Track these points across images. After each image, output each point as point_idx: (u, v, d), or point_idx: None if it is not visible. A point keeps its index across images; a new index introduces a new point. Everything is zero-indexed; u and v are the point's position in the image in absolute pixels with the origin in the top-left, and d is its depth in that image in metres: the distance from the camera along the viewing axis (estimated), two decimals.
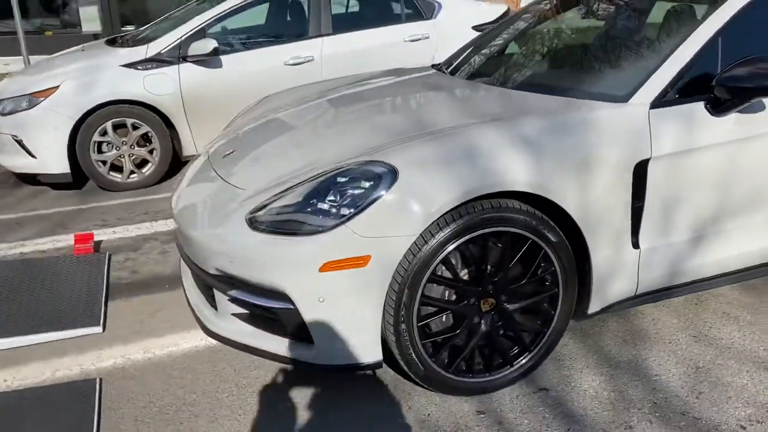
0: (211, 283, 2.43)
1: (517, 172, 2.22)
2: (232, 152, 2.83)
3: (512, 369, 2.43)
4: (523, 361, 2.44)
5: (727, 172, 2.42)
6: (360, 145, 2.44)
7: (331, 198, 2.21)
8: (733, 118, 2.36)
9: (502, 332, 2.39)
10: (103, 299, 3.22)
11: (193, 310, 2.66)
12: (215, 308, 2.52)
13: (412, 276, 2.17)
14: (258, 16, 5.47)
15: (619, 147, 2.35)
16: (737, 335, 2.72)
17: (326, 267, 2.13)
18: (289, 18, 5.55)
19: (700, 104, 2.36)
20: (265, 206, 2.31)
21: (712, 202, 2.45)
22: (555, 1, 3.58)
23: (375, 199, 2.12)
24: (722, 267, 2.62)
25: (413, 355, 2.27)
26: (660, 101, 2.41)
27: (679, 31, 2.65)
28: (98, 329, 2.98)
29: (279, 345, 2.34)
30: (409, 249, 2.15)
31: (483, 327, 2.35)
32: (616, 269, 2.48)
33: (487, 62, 3.38)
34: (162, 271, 3.59)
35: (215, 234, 2.36)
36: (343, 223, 2.12)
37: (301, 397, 2.46)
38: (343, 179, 2.24)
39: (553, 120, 2.38)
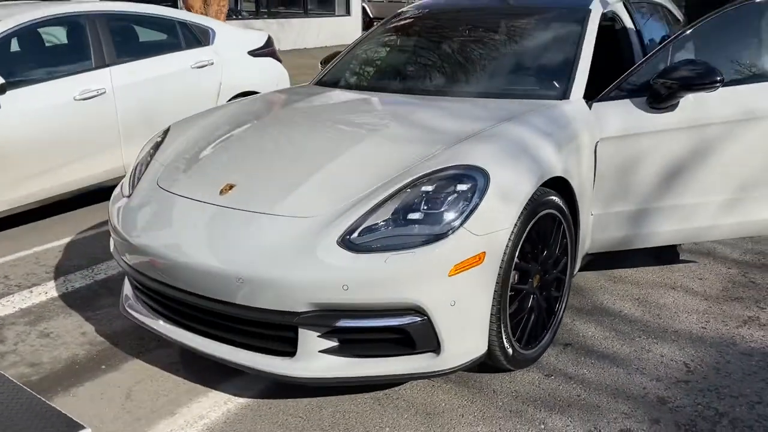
0: (298, 323, 2.23)
1: (552, 161, 2.60)
2: (231, 187, 2.55)
3: (548, 334, 2.79)
4: (553, 324, 2.82)
5: (662, 156, 3.05)
6: (410, 153, 2.51)
7: (425, 207, 2.28)
8: (668, 110, 3.02)
9: (544, 304, 2.74)
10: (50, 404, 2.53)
11: (247, 369, 2.35)
12: (290, 354, 2.30)
13: (506, 264, 2.37)
14: (31, 45, 4.59)
15: (587, 132, 2.91)
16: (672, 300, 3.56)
17: (454, 270, 2.20)
18: (65, 48, 4.78)
19: (641, 99, 3.03)
20: (355, 228, 2.24)
21: (649, 182, 3.10)
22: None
23: (481, 198, 2.27)
24: (659, 240, 3.22)
25: (505, 338, 2.46)
26: (606, 96, 3.03)
27: (570, 41, 3.31)
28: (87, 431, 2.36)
29: (396, 365, 2.29)
30: (509, 238, 2.35)
31: (535, 301, 2.66)
32: (586, 233, 3.04)
33: (413, 75, 3.63)
34: (69, 354, 2.92)
35: (305, 268, 2.18)
36: (461, 225, 2.22)
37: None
38: (428, 188, 2.32)
39: (544, 116, 2.81)
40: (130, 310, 2.79)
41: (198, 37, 5.44)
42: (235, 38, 5.73)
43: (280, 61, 6.08)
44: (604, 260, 3.58)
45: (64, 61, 4.60)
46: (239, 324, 2.37)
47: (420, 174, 2.35)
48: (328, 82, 3.83)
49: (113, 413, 2.51)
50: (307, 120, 3.18)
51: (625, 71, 3.30)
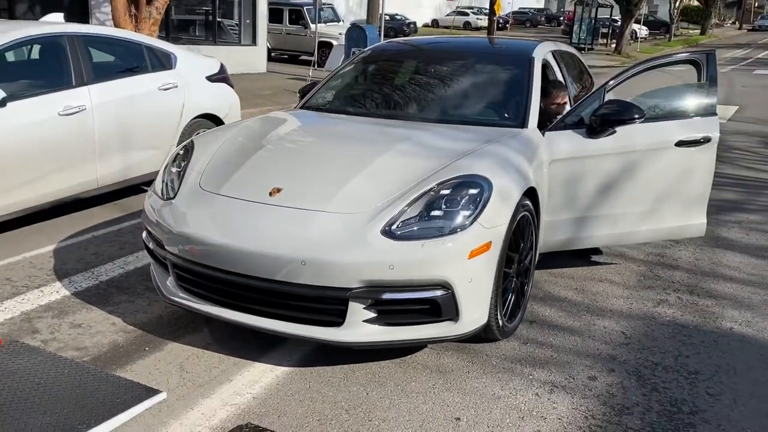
0: (350, 296, 2.79)
1: (529, 175, 3.36)
2: (278, 190, 3.07)
3: (520, 312, 3.50)
4: (523, 304, 3.55)
5: (597, 175, 3.86)
6: (425, 165, 3.17)
7: (445, 206, 2.94)
8: (601, 140, 3.86)
9: (519, 287, 3.45)
10: (122, 377, 2.90)
11: (300, 339, 2.87)
12: (338, 324, 2.85)
13: (502, 251, 3.06)
14: (18, 61, 4.79)
15: (545, 154, 3.70)
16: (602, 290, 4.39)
17: (471, 254, 2.86)
18: (48, 66, 4.99)
19: (582, 130, 3.86)
20: (394, 221, 2.85)
21: (587, 195, 3.89)
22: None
23: (488, 199, 2.96)
24: (594, 242, 4.06)
25: (499, 312, 3.14)
26: (555, 126, 3.85)
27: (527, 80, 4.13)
28: (162, 395, 2.76)
29: (422, 331, 2.90)
30: (505, 231, 3.05)
31: (515, 284, 3.38)
32: (540, 234, 3.81)
33: (399, 104, 4.28)
34: (109, 339, 3.27)
35: (358, 252, 2.77)
36: (476, 219, 2.89)
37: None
38: (446, 191, 2.98)
39: (516, 140, 3.57)
40: (173, 297, 3.20)
41: (162, 61, 5.80)
42: (193, 63, 6.14)
43: (232, 86, 6.53)
44: (546, 261, 4.38)
45: (47, 78, 4.84)
46: (293, 300, 2.88)
47: (439, 181, 3.01)
48: (318, 107, 4.42)
49: (175, 382, 2.92)
50: (326, 137, 3.78)
51: (556, 103, 4.18)
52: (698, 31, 49.88)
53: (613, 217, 3.99)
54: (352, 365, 3.08)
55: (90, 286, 3.90)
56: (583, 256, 4.59)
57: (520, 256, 3.39)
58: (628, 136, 3.90)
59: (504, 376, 3.05)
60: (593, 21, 29.51)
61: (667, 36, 41.19)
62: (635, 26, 32.50)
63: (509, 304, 3.31)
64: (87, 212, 5.23)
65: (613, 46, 29.98)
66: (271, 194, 3.07)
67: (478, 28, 39.96)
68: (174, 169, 3.55)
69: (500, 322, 3.17)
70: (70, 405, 2.64)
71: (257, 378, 2.97)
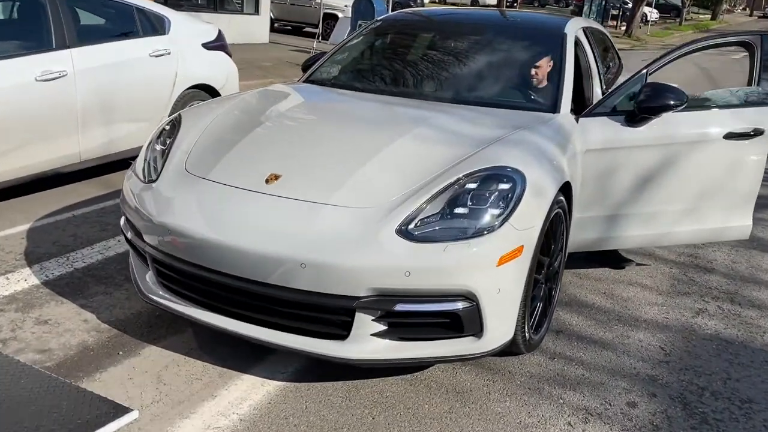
0: (358, 307, 2.37)
1: (564, 167, 2.92)
2: (276, 177, 2.64)
3: (547, 321, 3.09)
4: (550, 313, 3.13)
5: (633, 168, 3.42)
6: (446, 153, 2.72)
7: (471, 203, 2.50)
8: (640, 129, 3.40)
9: (547, 293, 3.04)
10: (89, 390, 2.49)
11: (298, 353, 2.46)
12: (342, 337, 2.44)
13: (533, 257, 2.64)
14: None
15: (579, 144, 3.26)
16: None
17: (501, 261, 2.44)
18: (25, 26, 4.52)
19: (620, 117, 3.40)
20: (411, 219, 2.42)
21: (622, 190, 3.45)
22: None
23: (521, 196, 2.53)
24: (627, 243, 3.61)
25: (527, 324, 2.73)
26: (590, 112, 3.40)
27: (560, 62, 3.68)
28: (134, 414, 2.35)
29: (439, 348, 2.49)
30: (539, 234, 2.62)
31: (543, 291, 2.96)
32: (572, 232, 3.39)
33: (414, 80, 3.81)
34: (78, 340, 2.86)
35: (368, 255, 2.34)
36: (506, 220, 2.46)
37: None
38: (472, 185, 2.54)
39: (549, 127, 3.13)
40: (151, 295, 2.79)
41: (154, 25, 5.32)
42: (189, 29, 5.65)
43: (230, 55, 6.05)
44: (570, 261, 3.96)
45: (24, 39, 4.37)
46: (289, 308, 2.47)
47: (464, 173, 2.57)
48: (324, 81, 3.96)
49: (151, 397, 2.52)
50: (333, 116, 3.32)
51: (585, 87, 3.71)
52: (709, 16, 49.09)
53: (649, 216, 3.56)
54: (356, 381, 2.68)
55: (63, 273, 3.48)
56: (610, 256, 4.17)
57: (551, 260, 2.97)
58: (671, 125, 3.45)
59: (531, 399, 2.64)
60: (604, 2, 28.80)
61: (678, 20, 40.44)
62: (646, 9, 31.74)
63: (537, 313, 2.90)
64: (68, 188, 4.79)
65: (623, 28, 29.27)
66: (267, 181, 2.63)
67: (485, 6, 39.14)
68: (158, 147, 3.12)
69: (527, 335, 2.76)
70: (19, 425, 2.23)
71: (246, 394, 2.57)
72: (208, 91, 5.59)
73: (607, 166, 3.39)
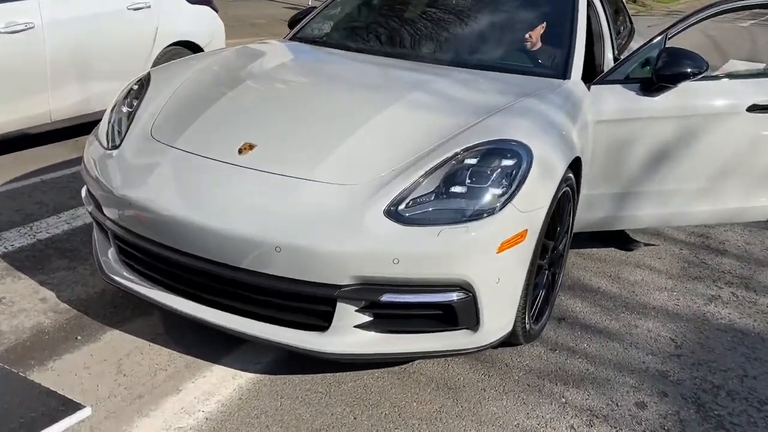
0: (339, 296, 2.10)
1: (575, 141, 2.62)
2: (251, 146, 2.34)
3: (548, 309, 2.83)
4: (552, 299, 2.87)
5: (649, 142, 3.10)
6: (443, 123, 2.42)
7: (470, 180, 2.21)
8: (657, 98, 3.06)
9: (550, 279, 2.77)
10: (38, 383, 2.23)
11: (277, 345, 2.19)
12: (322, 328, 2.18)
13: (538, 241, 2.36)
14: None
15: (590, 114, 2.95)
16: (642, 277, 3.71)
17: (501, 247, 2.16)
18: None
19: (635, 85, 3.08)
20: (402, 199, 2.14)
21: (634, 166, 3.14)
22: None
23: (526, 173, 2.24)
24: (637, 223, 3.31)
25: (527, 314, 2.47)
26: (602, 79, 3.09)
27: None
28: (86, 411, 2.10)
29: (430, 342, 2.23)
30: (545, 216, 2.34)
31: (546, 277, 2.69)
32: (578, 210, 3.10)
33: (412, 40, 3.48)
34: (33, 322, 2.59)
35: (353, 239, 2.06)
36: (509, 201, 2.17)
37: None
38: (472, 161, 2.25)
39: (558, 94, 2.82)
40: (113, 275, 2.51)
41: None
42: None
43: (216, 11, 5.67)
44: (573, 240, 3.69)
45: None
46: (262, 295, 2.20)
47: (463, 147, 2.27)
48: (313, 39, 3.62)
49: (108, 390, 2.26)
50: (318, 78, 2.98)
51: (596, 51, 3.39)
52: None
53: (664, 194, 3.28)
54: (339, 375, 2.43)
55: (24, 245, 3.19)
56: (616, 236, 3.89)
57: (556, 242, 2.70)
58: (691, 95, 3.14)
59: (530, 398, 2.40)
60: None
61: None
62: None
63: (539, 302, 2.64)
64: (37, 151, 4.48)
65: None
66: (241, 151, 2.33)
67: None
68: (124, 109, 2.81)
69: (527, 325, 2.50)
70: None
71: (214, 388, 2.31)
72: (191, 49, 5.23)
73: (619, 139, 3.09)
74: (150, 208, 2.25)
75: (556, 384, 2.49)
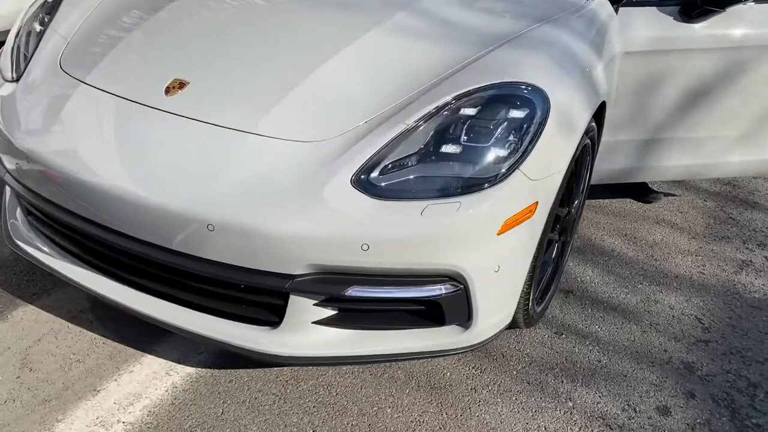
0: (291, 290, 1.62)
1: (602, 81, 2.08)
2: (182, 85, 1.79)
3: (554, 284, 2.36)
4: (559, 273, 2.41)
5: (685, 79, 2.56)
6: (434, 58, 1.86)
7: (466, 137, 1.68)
8: (698, 26, 2.48)
9: (560, 251, 2.30)
10: None
11: (208, 339, 1.73)
12: (274, 324, 1.71)
13: (550, 214, 1.87)
14: None
15: (618, 44, 2.38)
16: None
17: (504, 227, 1.66)
18: None
19: (674, 8, 2.50)
20: (376, 163, 1.61)
21: (665, 109, 2.60)
22: None
23: (540, 129, 1.71)
24: (664, 175, 2.82)
25: (531, 299, 2.01)
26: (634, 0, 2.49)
27: None
28: None
29: (406, 341, 1.76)
30: (561, 182, 1.83)
31: (556, 251, 2.22)
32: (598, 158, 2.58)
33: None
34: None
35: (307, 216, 1.55)
36: (516, 166, 1.66)
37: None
38: (470, 111, 1.71)
39: (581, 18, 2.23)
40: (19, 242, 2.02)
41: None
42: None
43: None
44: None
45: None
46: (197, 281, 1.72)
47: (459, 92, 1.73)
48: None
49: (6, 391, 1.82)
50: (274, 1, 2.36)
51: None
52: None
53: (696, 142, 2.75)
54: (297, 371, 1.99)
55: None
56: (632, 185, 3.39)
57: (570, 207, 2.20)
58: (739, 22, 2.56)
59: (530, 401, 1.97)
60: None
61: None
62: None
63: (544, 280, 2.17)
64: None
65: None
66: (168, 91, 1.78)
67: None
68: (36, 27, 2.22)
69: (530, 310, 2.04)
70: None
71: (142, 387, 1.87)
72: None
73: (651, 75, 2.53)
74: (53, 165, 1.73)
75: (562, 381, 2.06)
